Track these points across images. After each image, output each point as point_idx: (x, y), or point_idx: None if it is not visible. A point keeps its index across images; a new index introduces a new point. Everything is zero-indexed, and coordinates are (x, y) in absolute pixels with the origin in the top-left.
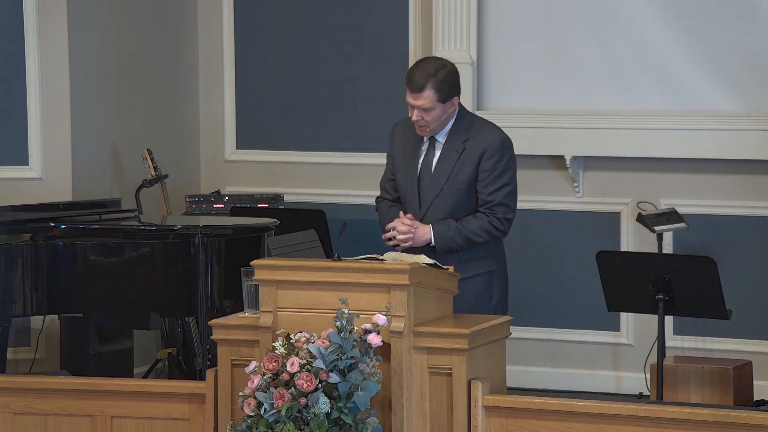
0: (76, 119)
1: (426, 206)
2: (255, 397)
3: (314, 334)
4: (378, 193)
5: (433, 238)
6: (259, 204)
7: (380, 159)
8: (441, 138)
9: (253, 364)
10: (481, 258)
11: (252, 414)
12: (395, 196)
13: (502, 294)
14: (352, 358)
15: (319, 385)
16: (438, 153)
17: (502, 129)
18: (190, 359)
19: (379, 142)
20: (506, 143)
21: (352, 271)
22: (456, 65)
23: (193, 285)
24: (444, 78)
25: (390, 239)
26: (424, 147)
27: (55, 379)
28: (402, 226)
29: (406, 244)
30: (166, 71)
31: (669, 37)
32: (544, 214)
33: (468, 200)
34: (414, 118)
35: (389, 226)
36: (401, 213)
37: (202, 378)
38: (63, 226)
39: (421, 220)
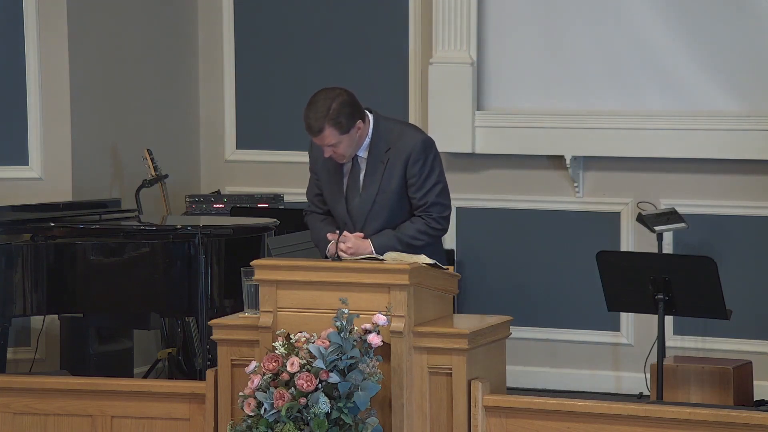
0: (76, 119)
1: (360, 222)
2: (255, 397)
3: (314, 334)
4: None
5: (374, 251)
6: (259, 204)
7: None
8: (363, 153)
9: (253, 364)
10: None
11: (252, 414)
12: (325, 209)
13: None
14: (352, 358)
15: (319, 385)
16: (363, 168)
17: (423, 130)
18: (190, 359)
19: None
20: (428, 143)
21: (352, 271)
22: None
23: (193, 285)
24: (338, 112)
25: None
26: (348, 164)
27: (55, 379)
28: (343, 250)
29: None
30: (166, 71)
31: (669, 37)
32: (544, 214)
33: (401, 208)
34: (326, 155)
35: (329, 252)
36: (336, 233)
37: (202, 378)
38: (63, 226)
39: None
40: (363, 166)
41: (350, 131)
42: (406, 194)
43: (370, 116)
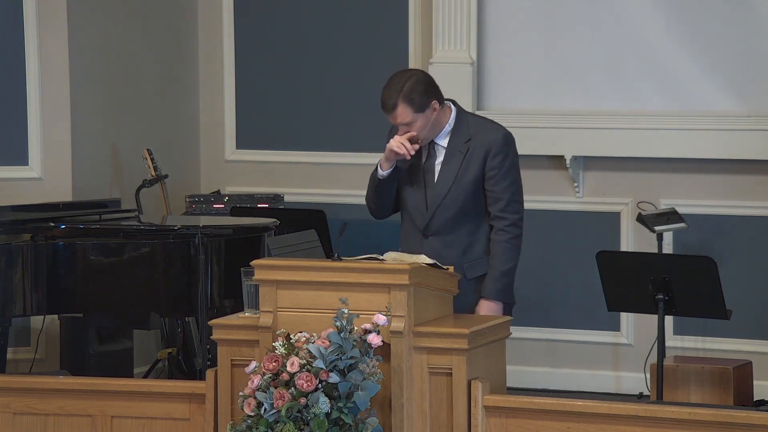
0: (76, 119)
1: (432, 210)
2: (255, 397)
3: (314, 334)
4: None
5: (495, 302)
6: (259, 204)
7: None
8: (442, 142)
9: (253, 364)
10: (487, 256)
11: (252, 414)
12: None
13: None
14: (352, 358)
15: (319, 385)
16: (441, 156)
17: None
18: (190, 359)
19: (379, 142)
20: (509, 139)
21: (352, 271)
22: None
23: (193, 285)
24: (412, 89)
25: None
26: (425, 152)
27: (55, 379)
28: None
29: None
30: (166, 71)
31: (669, 37)
32: (544, 214)
33: (475, 200)
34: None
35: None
36: None
37: (202, 378)
38: (63, 226)
39: (429, 224)
40: (440, 154)
41: (425, 111)
42: (482, 187)
43: (453, 107)
